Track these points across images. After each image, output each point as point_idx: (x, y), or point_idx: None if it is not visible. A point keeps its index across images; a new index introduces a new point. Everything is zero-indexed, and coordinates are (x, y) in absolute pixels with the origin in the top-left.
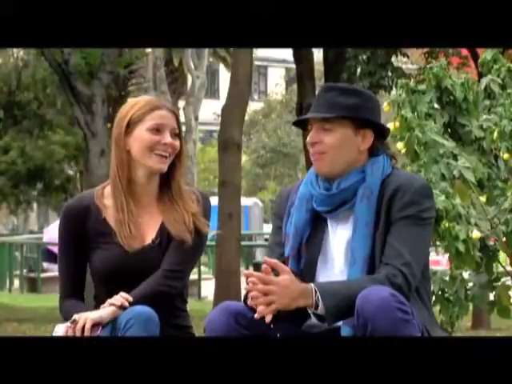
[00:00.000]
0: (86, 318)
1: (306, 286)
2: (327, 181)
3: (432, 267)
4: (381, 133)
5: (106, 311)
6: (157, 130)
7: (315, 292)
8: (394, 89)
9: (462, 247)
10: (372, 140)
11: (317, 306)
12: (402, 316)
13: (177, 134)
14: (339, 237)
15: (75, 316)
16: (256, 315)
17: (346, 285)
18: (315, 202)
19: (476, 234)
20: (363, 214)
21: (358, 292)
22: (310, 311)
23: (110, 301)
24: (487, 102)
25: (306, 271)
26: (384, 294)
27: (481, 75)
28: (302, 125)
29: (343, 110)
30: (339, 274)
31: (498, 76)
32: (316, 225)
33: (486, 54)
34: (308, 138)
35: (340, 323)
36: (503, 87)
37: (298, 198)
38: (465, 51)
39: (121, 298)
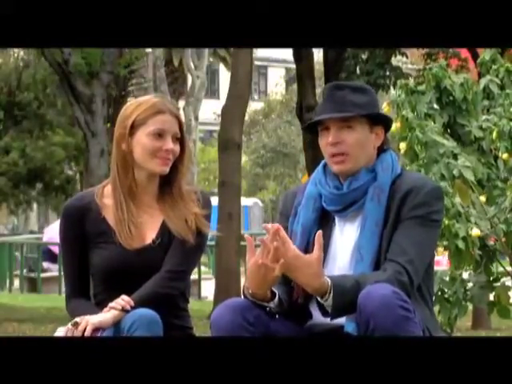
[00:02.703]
0: (87, 321)
1: (324, 282)
2: (337, 180)
3: None
4: (388, 128)
5: (107, 315)
6: (159, 134)
7: (329, 291)
8: (392, 88)
9: (461, 245)
10: (383, 136)
11: (325, 299)
12: (403, 313)
13: (178, 139)
14: (347, 235)
15: (77, 319)
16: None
17: (356, 281)
18: (325, 202)
19: (475, 232)
20: (373, 213)
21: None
22: (318, 299)
23: (111, 305)
24: (486, 103)
25: None
26: (386, 292)
27: (481, 76)
28: (312, 127)
29: (362, 109)
30: (345, 272)
31: (497, 76)
32: (323, 223)
33: (485, 55)
34: (330, 138)
35: (343, 319)
36: (502, 87)
37: (305, 197)
38: (464, 53)
39: (122, 301)
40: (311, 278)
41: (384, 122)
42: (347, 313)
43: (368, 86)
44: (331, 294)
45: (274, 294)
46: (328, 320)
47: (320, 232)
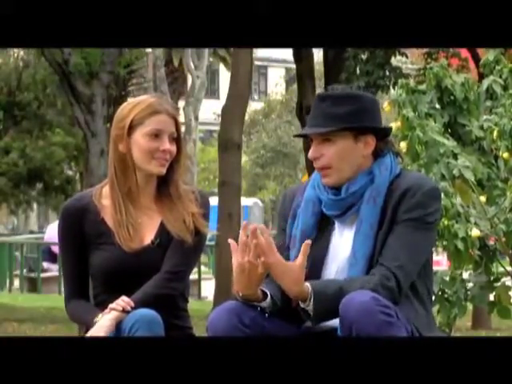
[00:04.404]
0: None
1: (304, 289)
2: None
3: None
4: (382, 134)
5: (109, 321)
6: (155, 135)
7: (310, 298)
8: (391, 89)
9: (460, 245)
10: (374, 144)
11: (306, 304)
12: (384, 318)
13: (175, 138)
14: (345, 238)
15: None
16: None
17: (340, 287)
18: (324, 207)
19: (475, 233)
20: (368, 215)
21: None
22: (301, 304)
23: (111, 306)
24: (489, 103)
25: (311, 273)
26: (365, 299)
27: (482, 76)
28: (304, 135)
29: (340, 121)
30: (344, 275)
31: (500, 77)
32: (322, 227)
33: (488, 55)
34: (309, 153)
35: (337, 324)
36: (505, 88)
37: (304, 199)
38: (465, 53)
39: (122, 302)
40: (291, 285)
41: (373, 129)
42: (329, 318)
43: (358, 93)
44: (311, 301)
45: (265, 294)
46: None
47: (308, 242)
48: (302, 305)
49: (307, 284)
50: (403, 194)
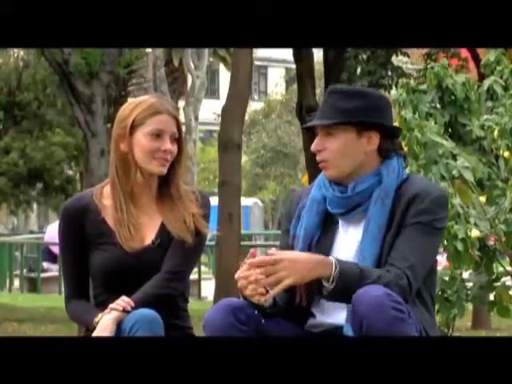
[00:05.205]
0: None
1: (325, 257)
2: (341, 184)
3: None
4: (389, 133)
5: (110, 321)
6: (157, 135)
7: (335, 267)
8: (393, 88)
9: (460, 246)
10: (378, 141)
11: (331, 280)
12: (396, 314)
13: (176, 138)
14: (350, 237)
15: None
16: (265, 298)
17: (362, 270)
18: (329, 205)
19: (475, 233)
20: (376, 216)
21: (366, 281)
22: (323, 283)
23: (111, 306)
24: (490, 104)
25: None
26: (378, 293)
27: (482, 76)
28: (312, 129)
29: (344, 115)
30: None
31: (501, 77)
32: (326, 227)
33: (489, 56)
34: (312, 145)
35: (343, 322)
36: (506, 88)
37: (309, 200)
38: (464, 53)
39: (122, 302)
40: (310, 259)
41: (378, 126)
42: (343, 300)
43: (367, 90)
44: (337, 269)
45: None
46: (328, 320)
47: (272, 250)
48: (324, 283)
49: (330, 257)
50: (412, 199)
